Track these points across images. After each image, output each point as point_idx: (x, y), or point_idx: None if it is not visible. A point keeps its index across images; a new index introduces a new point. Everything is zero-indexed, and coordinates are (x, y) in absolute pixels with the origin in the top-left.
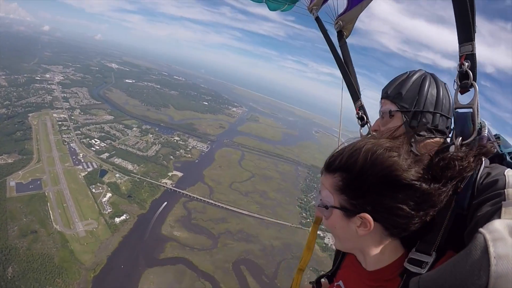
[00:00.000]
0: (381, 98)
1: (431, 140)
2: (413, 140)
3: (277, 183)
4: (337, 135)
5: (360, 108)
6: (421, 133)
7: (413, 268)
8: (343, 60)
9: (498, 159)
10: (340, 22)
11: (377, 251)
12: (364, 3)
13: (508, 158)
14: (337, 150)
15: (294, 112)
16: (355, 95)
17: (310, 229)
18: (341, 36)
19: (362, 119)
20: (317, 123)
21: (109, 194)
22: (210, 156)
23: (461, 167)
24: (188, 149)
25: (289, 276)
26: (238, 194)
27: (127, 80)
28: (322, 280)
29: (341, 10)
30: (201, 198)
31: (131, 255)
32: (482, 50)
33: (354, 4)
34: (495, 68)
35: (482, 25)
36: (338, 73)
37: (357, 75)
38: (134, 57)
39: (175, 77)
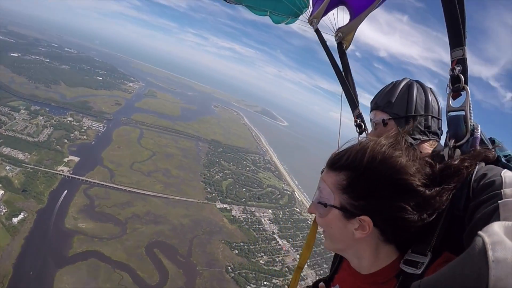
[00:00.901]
0: (371, 110)
1: (427, 142)
2: (411, 143)
3: (179, 160)
4: (236, 110)
5: (358, 116)
6: (416, 136)
7: (408, 269)
8: (342, 71)
9: (494, 161)
10: (340, 33)
11: (371, 254)
12: (362, 14)
13: (503, 160)
14: (343, 148)
15: (193, 86)
16: (354, 104)
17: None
18: (341, 47)
19: (360, 127)
20: (216, 97)
21: (1, 191)
22: (107, 136)
23: (466, 174)
24: (83, 130)
25: (203, 252)
26: (141, 174)
27: (12, 54)
28: (320, 284)
29: (340, 22)
30: (102, 183)
31: (38, 258)
32: (378, 37)
33: (353, 16)
34: (387, 53)
35: (380, 15)
36: (238, 48)
37: (256, 51)
38: (21, 26)
39: (66, 49)
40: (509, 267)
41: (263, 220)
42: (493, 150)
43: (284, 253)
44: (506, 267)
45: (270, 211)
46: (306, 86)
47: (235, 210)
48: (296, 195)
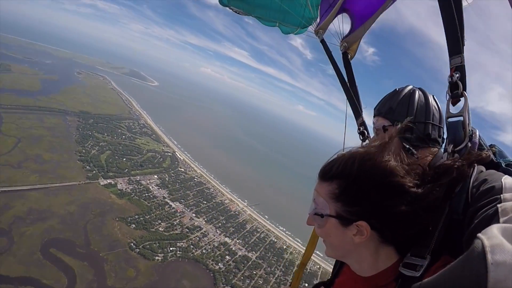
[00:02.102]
0: (374, 116)
1: (426, 149)
2: (409, 149)
3: (49, 141)
4: (102, 74)
5: (361, 124)
6: (415, 143)
7: (407, 272)
8: (347, 81)
9: (494, 167)
10: (345, 43)
11: (371, 257)
12: (366, 24)
13: (503, 165)
14: (333, 158)
15: (51, 52)
16: (357, 112)
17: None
18: (345, 57)
19: (363, 134)
20: (78, 62)
21: None
22: None
23: (458, 174)
24: None
25: (101, 236)
26: (10, 168)
27: None
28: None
29: (345, 33)
30: None
31: None
32: None
33: (357, 26)
34: None
35: None
36: (100, 5)
37: (121, 7)
38: None
39: None
40: (507, 270)
41: (150, 187)
42: (487, 151)
43: (180, 215)
44: (504, 269)
45: (156, 176)
46: (174, 43)
47: (121, 183)
48: (178, 155)
